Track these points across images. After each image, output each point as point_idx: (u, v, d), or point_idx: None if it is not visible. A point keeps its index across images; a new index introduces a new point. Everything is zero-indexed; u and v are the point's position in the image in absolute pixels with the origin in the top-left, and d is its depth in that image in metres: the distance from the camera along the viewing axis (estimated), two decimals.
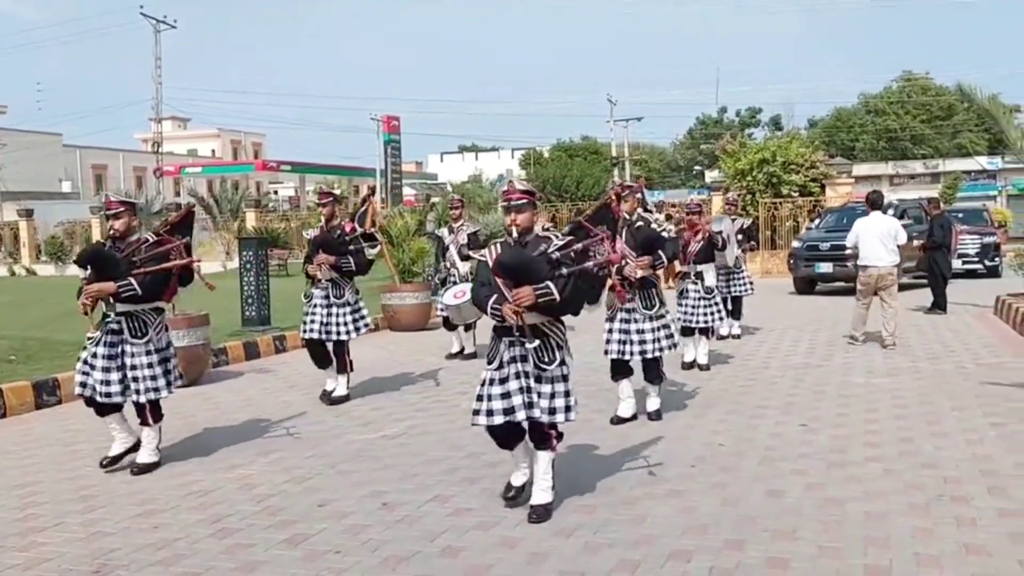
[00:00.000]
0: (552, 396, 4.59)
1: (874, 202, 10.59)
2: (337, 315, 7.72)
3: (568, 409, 4.65)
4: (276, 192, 58.90)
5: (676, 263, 8.71)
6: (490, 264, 4.65)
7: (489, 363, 4.67)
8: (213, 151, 70.33)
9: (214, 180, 52.37)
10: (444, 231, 10.64)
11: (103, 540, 4.47)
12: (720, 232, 9.16)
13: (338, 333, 7.73)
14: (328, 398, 7.78)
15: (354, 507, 4.88)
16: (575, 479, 5.20)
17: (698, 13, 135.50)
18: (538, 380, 4.59)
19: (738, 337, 11.01)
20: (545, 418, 4.58)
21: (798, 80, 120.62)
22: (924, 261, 13.88)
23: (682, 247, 8.62)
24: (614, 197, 5.56)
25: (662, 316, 6.66)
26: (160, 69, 40.30)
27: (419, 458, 5.86)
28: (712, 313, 8.79)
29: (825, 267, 16.89)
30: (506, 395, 4.55)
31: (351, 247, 7.74)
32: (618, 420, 6.67)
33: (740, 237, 11.05)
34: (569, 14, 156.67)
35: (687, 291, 8.82)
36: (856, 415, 6.78)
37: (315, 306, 7.76)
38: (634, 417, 6.69)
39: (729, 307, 10.76)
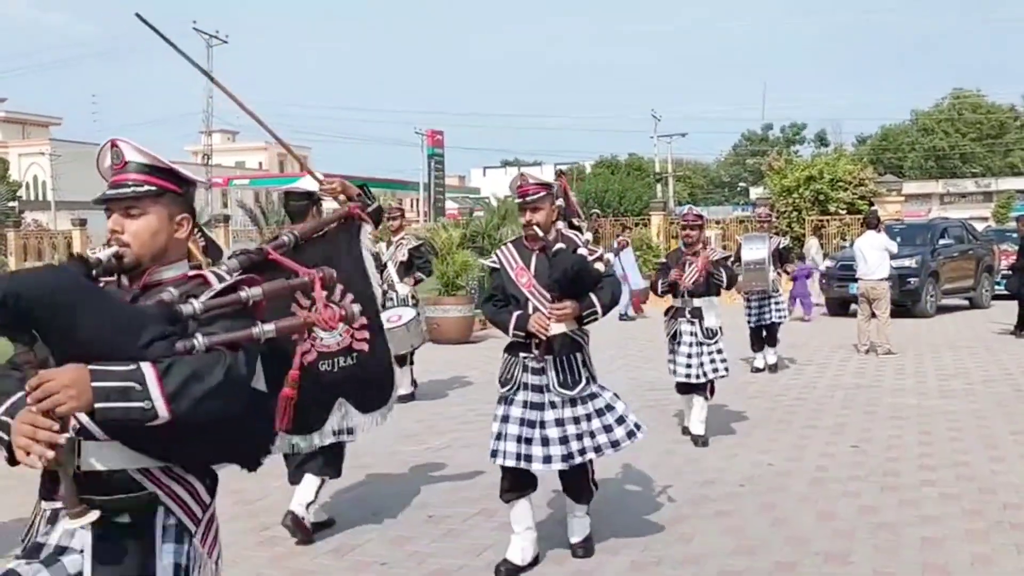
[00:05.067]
0: None
1: (869, 222, 11.85)
2: None
3: None
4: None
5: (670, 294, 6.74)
6: None
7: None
8: (260, 163, 71.56)
9: (260, 192, 53.23)
10: (382, 246, 8.79)
11: None
12: (727, 259, 7.15)
13: None
14: None
15: (399, 519, 4.89)
16: (622, 497, 5.14)
17: (744, 29, 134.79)
18: None
19: (774, 369, 9.85)
20: None
21: (846, 97, 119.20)
22: (1013, 282, 13.08)
23: (676, 275, 6.60)
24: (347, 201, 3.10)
25: (594, 397, 4.17)
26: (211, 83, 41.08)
27: (463, 471, 5.84)
28: (715, 363, 6.54)
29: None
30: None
31: None
32: (512, 569, 4.08)
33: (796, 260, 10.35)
34: (615, 28, 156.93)
35: (680, 333, 6.61)
36: (910, 437, 6.62)
37: None
38: (534, 563, 4.18)
39: (763, 335, 9.84)
